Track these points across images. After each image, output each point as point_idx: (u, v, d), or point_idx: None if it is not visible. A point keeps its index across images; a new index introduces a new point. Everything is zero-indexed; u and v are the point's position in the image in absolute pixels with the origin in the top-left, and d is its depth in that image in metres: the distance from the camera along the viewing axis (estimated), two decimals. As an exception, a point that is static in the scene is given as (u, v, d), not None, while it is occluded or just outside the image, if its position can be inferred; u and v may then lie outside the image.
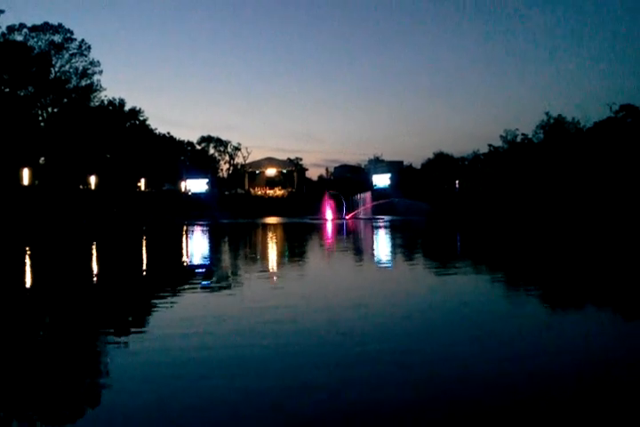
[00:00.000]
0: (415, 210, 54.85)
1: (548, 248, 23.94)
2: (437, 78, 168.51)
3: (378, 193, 73.99)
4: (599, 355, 7.62)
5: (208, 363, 7.34)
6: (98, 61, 67.18)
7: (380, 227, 43.99)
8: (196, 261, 20.68)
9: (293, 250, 26.11)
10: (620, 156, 55.10)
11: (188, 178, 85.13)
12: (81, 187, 66.89)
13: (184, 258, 21.95)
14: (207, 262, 18.70)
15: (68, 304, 11.57)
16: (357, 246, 27.90)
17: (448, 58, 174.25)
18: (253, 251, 26.35)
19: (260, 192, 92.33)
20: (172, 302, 11.82)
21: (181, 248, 27.15)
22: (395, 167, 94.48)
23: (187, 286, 13.55)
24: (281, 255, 23.09)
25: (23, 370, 7.28)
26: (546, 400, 5.88)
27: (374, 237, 34.90)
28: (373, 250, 25.20)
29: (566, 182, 56.82)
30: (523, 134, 75.79)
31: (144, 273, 17.04)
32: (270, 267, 18.40)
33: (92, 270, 17.46)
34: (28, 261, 20.70)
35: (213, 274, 15.18)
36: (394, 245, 27.97)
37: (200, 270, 15.68)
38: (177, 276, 15.87)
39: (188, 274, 15.43)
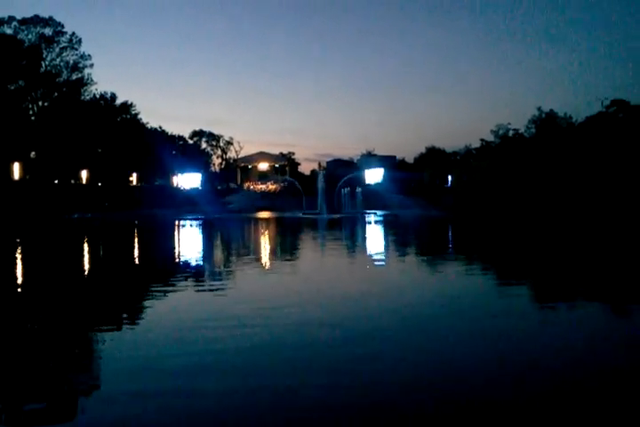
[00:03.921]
0: (406, 205, 55.17)
1: (541, 242, 23.98)
2: (429, 73, 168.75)
3: (370, 188, 74.11)
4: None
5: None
6: (89, 55, 66.85)
7: (372, 222, 44.06)
8: (188, 256, 20.63)
9: (287, 246, 26.08)
10: (612, 151, 55.41)
11: (180, 172, 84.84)
12: (72, 181, 66.57)
13: (175, 254, 21.87)
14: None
15: (46, 302, 11.36)
16: (352, 241, 27.88)
17: (440, 53, 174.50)
18: (247, 246, 26.28)
19: (252, 186, 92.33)
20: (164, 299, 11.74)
21: (172, 243, 27.03)
22: (387, 162, 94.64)
23: (176, 283, 13.49)
24: (274, 251, 23.01)
25: None
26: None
27: (367, 231, 34.95)
28: (368, 245, 25.20)
29: (558, 177, 57.10)
30: (514, 129, 76.26)
31: (131, 269, 16.90)
32: (264, 263, 18.34)
33: (78, 266, 17.28)
34: (16, 255, 20.51)
35: None
36: (387, 240, 28.00)
37: None
38: (167, 272, 15.81)
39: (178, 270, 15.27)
